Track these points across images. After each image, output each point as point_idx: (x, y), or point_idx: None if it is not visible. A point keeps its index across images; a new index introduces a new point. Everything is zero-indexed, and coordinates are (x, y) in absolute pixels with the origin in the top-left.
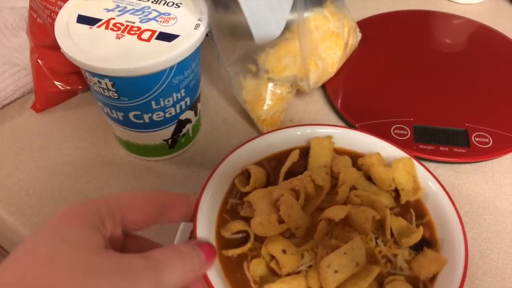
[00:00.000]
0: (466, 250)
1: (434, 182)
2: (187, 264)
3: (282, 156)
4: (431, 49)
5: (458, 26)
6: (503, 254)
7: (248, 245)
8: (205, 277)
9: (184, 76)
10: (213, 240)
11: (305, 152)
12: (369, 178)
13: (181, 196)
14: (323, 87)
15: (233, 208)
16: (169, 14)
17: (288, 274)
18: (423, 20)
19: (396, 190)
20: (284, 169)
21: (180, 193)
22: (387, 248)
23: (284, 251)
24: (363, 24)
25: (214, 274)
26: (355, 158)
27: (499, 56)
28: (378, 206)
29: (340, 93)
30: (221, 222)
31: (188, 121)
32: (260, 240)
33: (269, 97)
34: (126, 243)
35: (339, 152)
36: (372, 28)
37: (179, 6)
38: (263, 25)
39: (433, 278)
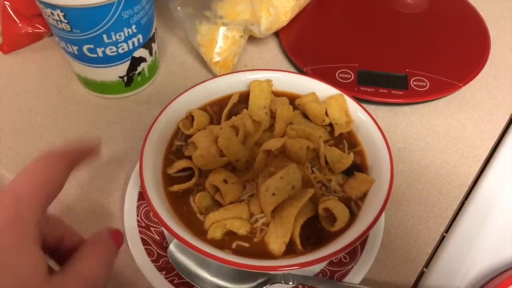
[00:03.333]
0: (392, 169)
1: (364, 114)
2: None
3: (224, 101)
4: (381, 3)
5: None
6: (429, 184)
7: (193, 180)
8: (154, 211)
9: (134, 12)
10: (159, 179)
11: (246, 95)
12: (306, 117)
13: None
14: (278, 36)
15: (178, 149)
16: None
17: (232, 204)
18: None
19: (331, 126)
20: (225, 111)
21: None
22: (322, 174)
23: (225, 181)
24: None
25: (162, 208)
26: (294, 99)
27: (441, 8)
28: (312, 137)
29: (293, 41)
30: (167, 163)
31: (142, 59)
32: (205, 176)
33: (221, 40)
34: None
35: (279, 95)
36: None
37: None
38: None
39: (363, 197)
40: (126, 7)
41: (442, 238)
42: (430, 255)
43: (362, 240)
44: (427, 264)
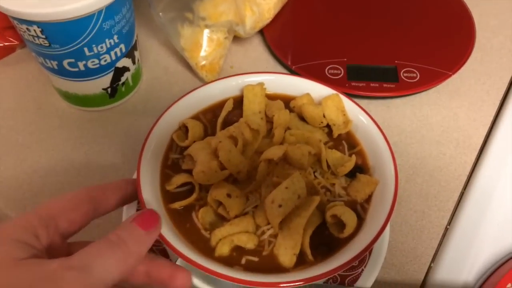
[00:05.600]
0: (396, 170)
1: (362, 114)
2: (119, 250)
3: (217, 108)
4: None
5: None
6: (428, 177)
7: (194, 195)
8: None
9: (115, 21)
10: (158, 197)
11: (239, 101)
12: (302, 118)
13: (112, 183)
14: (262, 33)
15: (174, 163)
16: None
17: (236, 217)
18: None
19: (329, 126)
20: (220, 119)
21: (112, 182)
22: (325, 179)
23: (229, 195)
24: None
25: (165, 228)
26: (288, 102)
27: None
28: (312, 141)
29: (278, 38)
30: (164, 178)
31: (126, 69)
32: (206, 190)
33: (206, 43)
34: (72, 250)
35: (272, 97)
36: None
37: None
38: None
39: (368, 199)
40: (106, 17)
41: (446, 231)
42: (436, 249)
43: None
44: (434, 258)
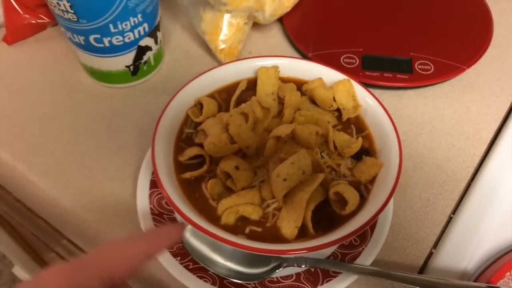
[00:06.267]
0: (400, 152)
1: (371, 98)
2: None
3: (232, 88)
4: None
5: None
6: (435, 166)
7: (204, 167)
8: (168, 199)
9: (140, 0)
10: (171, 167)
11: (253, 82)
12: (313, 102)
13: (164, 229)
14: (281, 22)
15: (188, 137)
16: None
17: (243, 189)
18: None
19: (339, 111)
20: (234, 97)
21: (163, 228)
22: (331, 159)
23: (237, 167)
24: None
25: (176, 195)
26: (300, 85)
27: None
28: (321, 123)
29: (296, 27)
30: (178, 150)
31: (148, 48)
32: (216, 163)
33: (226, 27)
34: None
35: (286, 80)
36: None
37: None
38: None
39: (372, 180)
40: None
41: (450, 219)
42: (438, 236)
43: (372, 223)
44: (435, 245)
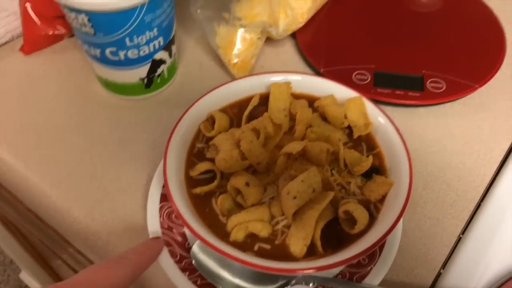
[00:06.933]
0: (411, 171)
1: (383, 117)
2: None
3: (244, 103)
4: (396, 3)
5: None
6: (445, 186)
7: (215, 182)
8: (178, 213)
9: (156, 15)
10: (182, 181)
11: (265, 97)
12: (324, 119)
13: (145, 246)
14: (294, 38)
15: (199, 151)
16: None
17: (253, 206)
18: None
19: (350, 128)
20: (246, 113)
21: (143, 243)
22: (341, 177)
23: (247, 184)
24: None
25: (186, 210)
26: (312, 102)
27: (456, 8)
28: (332, 140)
29: (309, 42)
30: (189, 165)
31: (162, 61)
32: (227, 179)
33: (239, 41)
34: None
35: (298, 97)
36: None
37: None
38: None
39: (382, 199)
40: (148, 11)
41: (459, 240)
42: (447, 256)
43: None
44: (444, 265)
